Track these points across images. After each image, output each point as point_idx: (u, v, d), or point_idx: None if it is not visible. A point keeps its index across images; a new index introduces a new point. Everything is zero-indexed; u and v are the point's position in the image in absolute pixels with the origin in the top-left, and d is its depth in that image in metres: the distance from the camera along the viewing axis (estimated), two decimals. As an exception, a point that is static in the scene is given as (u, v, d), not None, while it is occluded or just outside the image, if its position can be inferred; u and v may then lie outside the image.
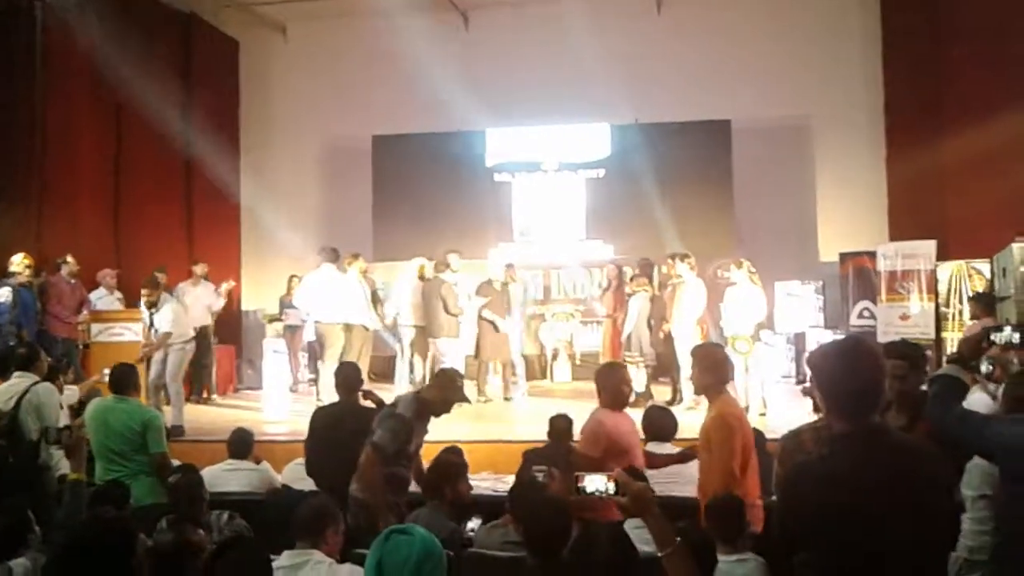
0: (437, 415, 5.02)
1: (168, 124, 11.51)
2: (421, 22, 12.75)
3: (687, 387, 8.82)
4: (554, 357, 11.98)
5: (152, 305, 8.36)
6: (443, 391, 4.97)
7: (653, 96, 12.30)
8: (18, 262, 8.51)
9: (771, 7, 12.33)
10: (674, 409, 8.78)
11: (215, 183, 12.50)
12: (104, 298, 9.62)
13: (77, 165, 10.55)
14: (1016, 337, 3.20)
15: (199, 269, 10.67)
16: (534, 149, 12.88)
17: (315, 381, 9.93)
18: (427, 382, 7.75)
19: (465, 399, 5.11)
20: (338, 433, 5.30)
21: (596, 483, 2.83)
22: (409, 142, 12.79)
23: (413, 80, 12.64)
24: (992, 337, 3.22)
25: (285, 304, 11.49)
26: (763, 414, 8.32)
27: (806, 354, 9.37)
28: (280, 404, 9.75)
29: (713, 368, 4.34)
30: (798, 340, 11.36)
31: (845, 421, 2.31)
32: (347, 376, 5.87)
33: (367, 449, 4.65)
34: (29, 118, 9.91)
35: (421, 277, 9.94)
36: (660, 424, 5.64)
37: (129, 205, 11.34)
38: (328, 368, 8.21)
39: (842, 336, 7.40)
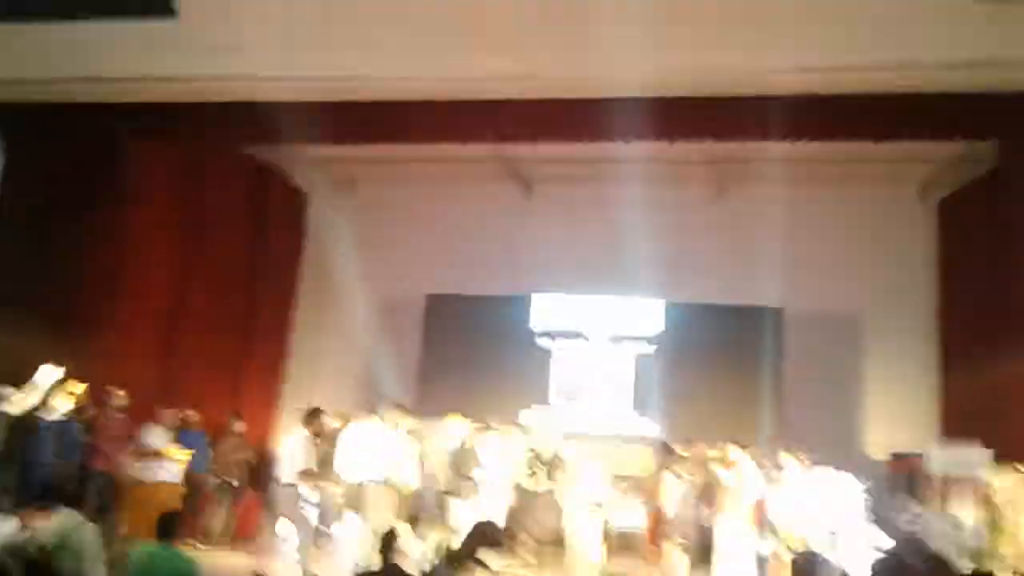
0: (470, 565, 4.88)
1: (233, 269, 11.83)
2: (485, 189, 13.20)
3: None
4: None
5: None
6: (475, 542, 4.92)
7: (708, 277, 12.44)
8: (67, 392, 8.58)
9: (830, 200, 12.51)
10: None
11: (269, 330, 12.71)
12: (155, 435, 9.61)
13: (140, 298, 10.81)
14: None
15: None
16: (581, 319, 12.98)
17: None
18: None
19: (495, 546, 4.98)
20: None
21: None
22: (459, 302, 12.99)
23: (471, 242, 13.01)
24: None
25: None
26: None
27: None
28: (304, 556, 9.49)
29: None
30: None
31: None
32: (390, 541, 5.75)
33: None
34: (103, 252, 10.23)
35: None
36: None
37: (183, 344, 11.52)
38: (367, 527, 8.07)
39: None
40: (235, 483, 10.36)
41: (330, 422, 9.50)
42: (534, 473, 9.84)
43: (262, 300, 12.74)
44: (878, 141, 9.54)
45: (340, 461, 9.58)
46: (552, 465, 9.99)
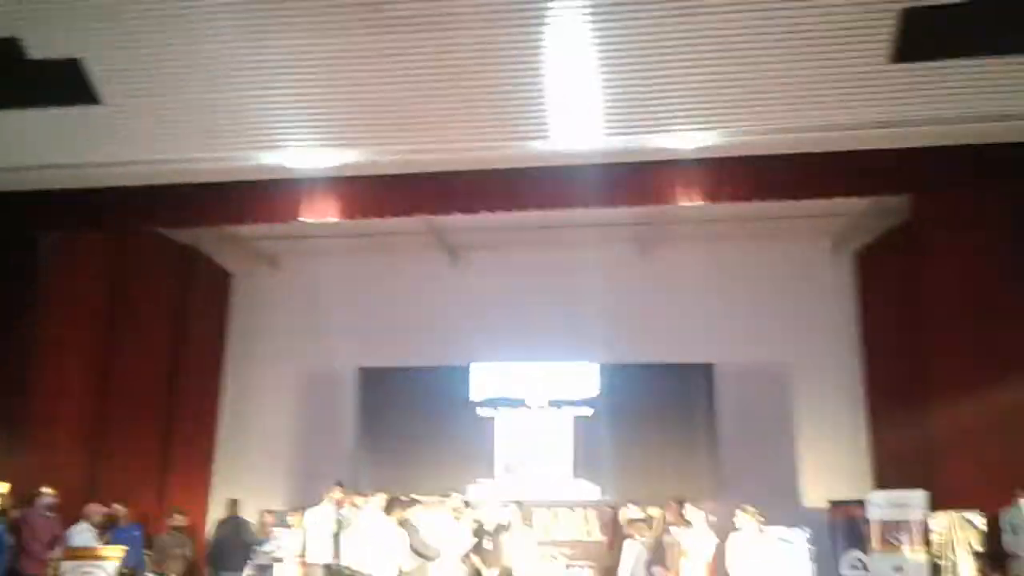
0: None
1: (157, 357, 11.53)
2: (410, 259, 13.21)
3: None
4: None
5: None
6: None
7: (639, 337, 12.58)
8: (-1, 493, 8.17)
9: (751, 256, 12.83)
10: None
11: (196, 411, 12.37)
12: (84, 533, 9.15)
13: (62, 393, 10.42)
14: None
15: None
16: (519, 385, 12.95)
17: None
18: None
19: None
20: None
21: None
22: (394, 375, 12.85)
23: (400, 314, 12.94)
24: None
25: (259, 541, 10.98)
26: None
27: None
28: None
29: None
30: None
31: None
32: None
33: None
34: (20, 344, 9.84)
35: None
36: None
37: (108, 436, 11.09)
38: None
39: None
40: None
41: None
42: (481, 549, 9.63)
43: (187, 388, 12.41)
44: (797, 199, 9.86)
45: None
46: (498, 535, 9.80)
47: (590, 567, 10.94)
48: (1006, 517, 8.03)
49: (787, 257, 12.87)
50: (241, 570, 10.46)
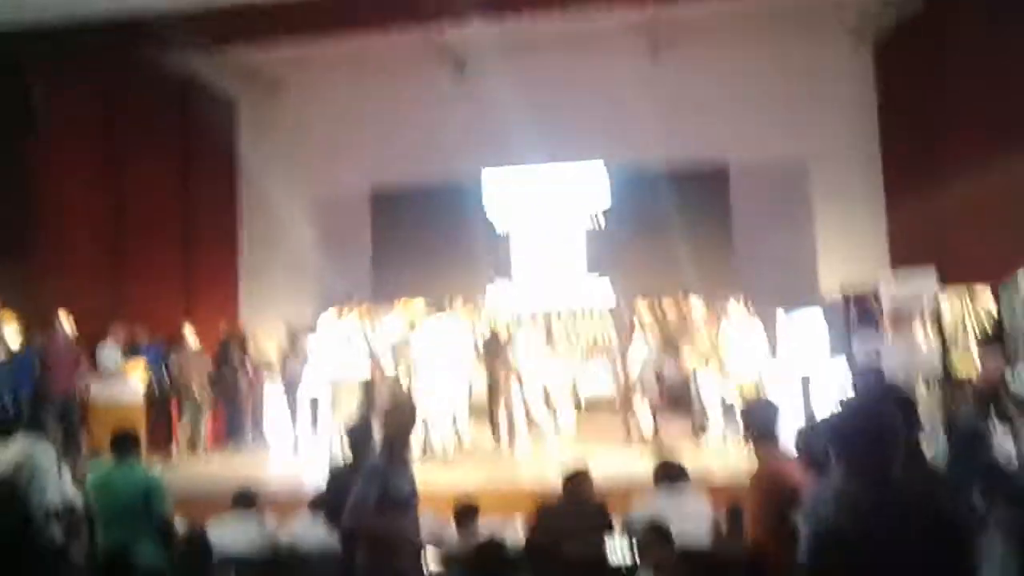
0: (404, 446, 4.83)
1: (167, 180, 11.57)
2: (413, 74, 12.86)
3: (713, 425, 9.01)
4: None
5: None
6: (392, 425, 4.77)
7: (653, 138, 12.23)
8: (7, 323, 8.47)
9: (766, 54, 12.27)
10: (699, 447, 8.90)
11: (214, 231, 12.56)
12: (110, 353, 9.54)
13: (75, 223, 10.58)
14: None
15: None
16: (532, 189, 12.93)
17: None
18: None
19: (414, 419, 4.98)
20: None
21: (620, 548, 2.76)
22: (407, 190, 12.84)
23: (408, 131, 12.72)
24: (1007, 379, 3.14)
25: (287, 357, 11.38)
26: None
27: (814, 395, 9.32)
28: (283, 460, 9.66)
29: (764, 424, 4.32)
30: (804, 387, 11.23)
31: (866, 478, 2.34)
32: (359, 435, 5.78)
33: (347, 510, 4.49)
34: (28, 177, 9.95)
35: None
36: (669, 468, 5.57)
37: (127, 260, 11.36)
38: (338, 425, 8.21)
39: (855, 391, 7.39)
40: (197, 395, 10.28)
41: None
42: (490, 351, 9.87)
43: (203, 212, 12.48)
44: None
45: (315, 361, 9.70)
46: (505, 340, 10.03)
47: (606, 366, 11.15)
48: (1005, 293, 7.95)
49: (805, 53, 12.26)
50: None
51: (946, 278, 9.92)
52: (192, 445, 10.21)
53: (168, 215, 12.00)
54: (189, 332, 10.47)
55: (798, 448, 3.83)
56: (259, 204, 13.45)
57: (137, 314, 10.64)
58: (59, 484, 5.45)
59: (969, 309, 9.66)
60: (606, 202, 12.64)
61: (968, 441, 2.84)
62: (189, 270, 12.49)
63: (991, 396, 3.11)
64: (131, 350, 9.97)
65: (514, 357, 9.70)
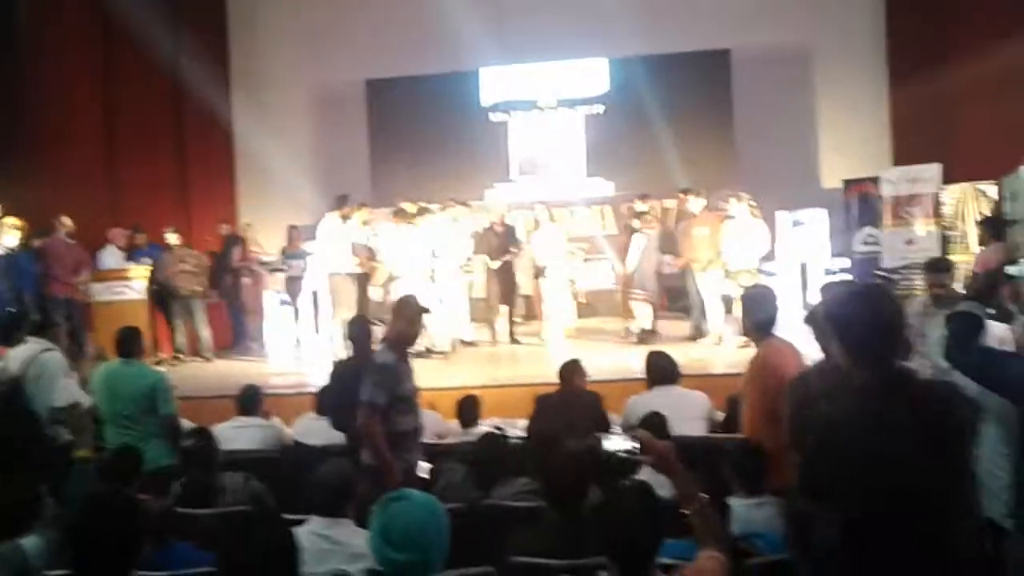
0: (410, 344, 4.87)
1: (158, 70, 11.36)
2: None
3: (713, 324, 9.00)
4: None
5: None
6: (402, 320, 4.73)
7: (651, 28, 12.00)
8: (9, 225, 8.43)
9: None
10: (697, 345, 8.96)
11: (208, 131, 12.36)
12: (110, 256, 9.53)
13: (66, 121, 10.48)
14: (1034, 270, 3.11)
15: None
16: (530, 87, 12.68)
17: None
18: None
19: (424, 313, 4.90)
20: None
21: (616, 443, 2.82)
22: (403, 85, 12.59)
23: (405, 20, 12.43)
24: (1009, 271, 3.14)
25: (288, 255, 11.36)
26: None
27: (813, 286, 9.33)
28: (287, 356, 9.77)
29: (762, 310, 4.32)
30: (803, 272, 11.26)
31: (869, 368, 2.27)
32: (360, 329, 5.82)
33: (361, 411, 4.45)
34: (21, 88, 9.80)
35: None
36: (662, 367, 5.60)
37: (121, 158, 11.29)
38: (340, 319, 8.29)
39: (855, 280, 7.42)
40: (192, 295, 10.16)
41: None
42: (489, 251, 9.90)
43: (195, 111, 12.22)
44: None
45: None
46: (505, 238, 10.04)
47: (607, 260, 11.18)
48: (1008, 184, 7.88)
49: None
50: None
51: (948, 171, 9.86)
52: (192, 347, 10.22)
53: (162, 119, 11.83)
54: (172, 235, 10.16)
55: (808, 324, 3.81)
56: (251, 101, 13.23)
57: (136, 219, 10.62)
58: (66, 384, 5.51)
59: (969, 202, 9.63)
60: (607, 99, 12.39)
61: (964, 329, 2.84)
62: (184, 173, 12.38)
63: (991, 285, 3.11)
64: (132, 253, 9.96)
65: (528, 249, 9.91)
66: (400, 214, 9.73)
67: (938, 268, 4.90)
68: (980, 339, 2.86)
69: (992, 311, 3.51)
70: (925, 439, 2.19)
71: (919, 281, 8.67)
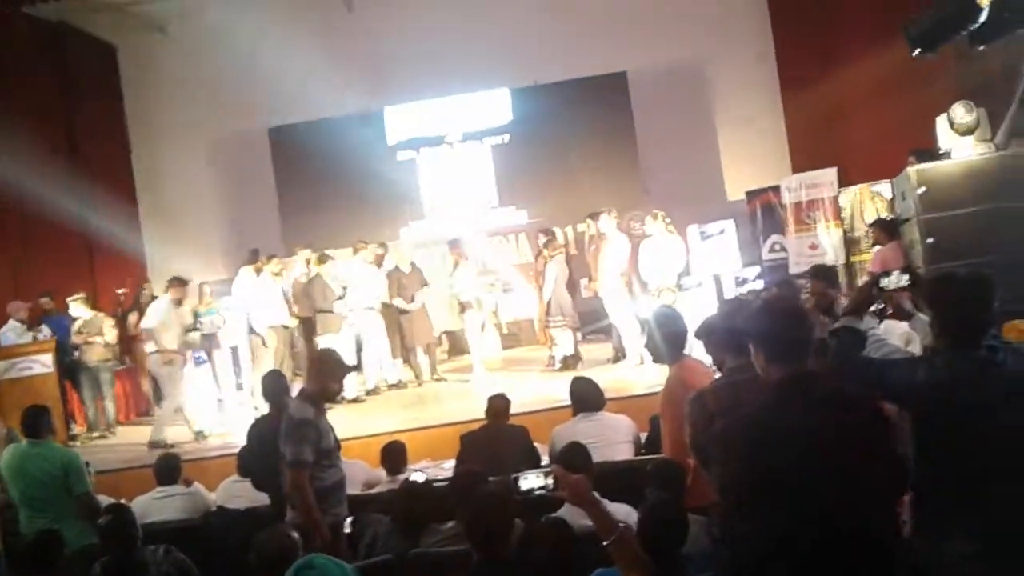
0: (331, 400, 4.87)
1: (52, 145, 11.05)
2: (302, 9, 12.49)
3: (630, 345, 9.03)
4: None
5: None
6: (324, 376, 4.74)
7: (548, 56, 12.21)
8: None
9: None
10: (618, 368, 9.05)
11: (111, 197, 12.04)
12: (10, 332, 9.22)
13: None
14: (905, 280, 3.25)
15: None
16: (435, 122, 12.75)
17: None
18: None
19: (348, 371, 4.96)
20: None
21: (533, 481, 2.85)
22: (307, 130, 12.53)
23: (303, 67, 12.28)
24: (881, 284, 3.27)
25: (199, 314, 11.14)
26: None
27: (727, 295, 9.52)
28: (208, 416, 9.55)
29: (669, 331, 4.42)
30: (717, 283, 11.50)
31: (782, 368, 2.48)
32: (275, 384, 5.75)
33: (289, 472, 4.42)
34: None
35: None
36: (586, 394, 5.65)
37: (24, 232, 10.89)
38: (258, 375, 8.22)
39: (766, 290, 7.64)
40: (99, 366, 9.78)
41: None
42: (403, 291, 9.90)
43: (95, 171, 11.95)
44: None
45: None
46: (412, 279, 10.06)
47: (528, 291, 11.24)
48: (897, 184, 8.19)
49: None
50: None
51: (848, 179, 10.21)
52: (101, 420, 9.83)
53: (60, 179, 11.46)
54: (75, 305, 9.80)
55: (700, 337, 3.91)
56: (152, 156, 13.00)
57: (40, 285, 10.31)
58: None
59: (866, 203, 9.97)
60: (511, 129, 12.53)
61: (846, 344, 2.97)
62: (87, 239, 12.01)
63: (866, 299, 3.24)
64: (38, 321, 9.64)
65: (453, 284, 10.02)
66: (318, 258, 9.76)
67: (817, 275, 5.20)
68: (861, 351, 3.00)
69: (890, 310, 3.63)
70: (841, 438, 2.39)
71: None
